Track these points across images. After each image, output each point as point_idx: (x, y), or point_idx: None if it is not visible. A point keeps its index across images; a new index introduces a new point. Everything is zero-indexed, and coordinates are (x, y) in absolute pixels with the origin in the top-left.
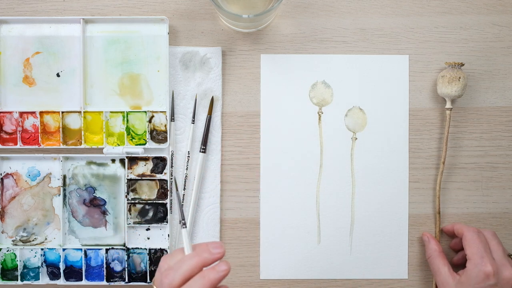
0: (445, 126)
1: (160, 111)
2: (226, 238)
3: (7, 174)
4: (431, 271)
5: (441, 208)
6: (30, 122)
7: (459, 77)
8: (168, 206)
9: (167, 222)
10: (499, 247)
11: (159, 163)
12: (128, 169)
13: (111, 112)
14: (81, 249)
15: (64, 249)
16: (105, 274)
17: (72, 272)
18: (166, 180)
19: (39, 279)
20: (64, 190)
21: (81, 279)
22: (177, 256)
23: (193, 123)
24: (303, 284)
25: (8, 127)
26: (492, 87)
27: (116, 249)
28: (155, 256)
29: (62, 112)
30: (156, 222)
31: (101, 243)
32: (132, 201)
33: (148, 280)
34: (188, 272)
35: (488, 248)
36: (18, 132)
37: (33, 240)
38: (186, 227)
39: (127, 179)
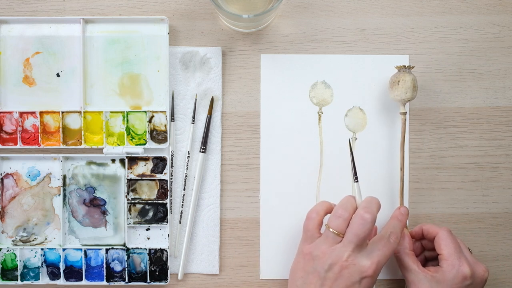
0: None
1: (160, 111)
2: (226, 238)
3: (7, 174)
4: (400, 268)
5: (441, 208)
6: (30, 122)
7: (398, 81)
8: (168, 206)
9: (167, 222)
10: (463, 244)
11: (159, 163)
12: (128, 169)
13: (111, 112)
14: (81, 249)
15: (64, 249)
16: (105, 274)
17: (72, 272)
18: (166, 180)
19: (39, 279)
20: (64, 190)
21: (81, 279)
22: (350, 203)
23: (193, 123)
24: None
25: (8, 127)
26: (492, 87)
27: (116, 249)
28: (155, 256)
29: (62, 112)
30: (156, 222)
31: (101, 243)
32: (132, 201)
33: (148, 280)
34: (378, 208)
35: (461, 247)
36: (18, 132)
37: (33, 240)
38: (358, 181)
39: (127, 179)
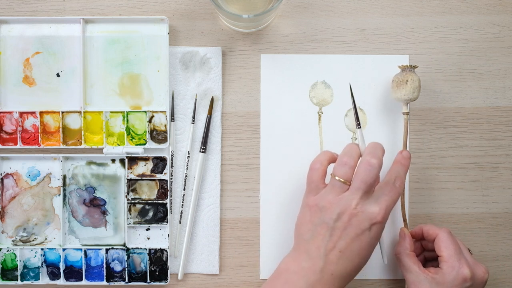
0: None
1: (160, 111)
2: (226, 238)
3: (7, 174)
4: (400, 268)
5: (441, 208)
6: (30, 122)
7: (407, 80)
8: (168, 206)
9: (167, 222)
10: (463, 245)
11: (159, 163)
12: (128, 169)
13: (111, 112)
14: (81, 249)
15: (64, 249)
16: (105, 274)
17: (72, 272)
18: (166, 180)
19: (39, 279)
20: (64, 190)
21: (81, 279)
22: (354, 150)
23: (193, 123)
24: None
25: (8, 127)
26: (492, 87)
27: (116, 249)
28: (155, 256)
29: (62, 112)
30: (156, 222)
31: (101, 243)
32: (132, 201)
33: (148, 280)
34: (383, 153)
35: (460, 249)
36: (18, 132)
37: (33, 240)
38: (360, 127)
39: (127, 179)
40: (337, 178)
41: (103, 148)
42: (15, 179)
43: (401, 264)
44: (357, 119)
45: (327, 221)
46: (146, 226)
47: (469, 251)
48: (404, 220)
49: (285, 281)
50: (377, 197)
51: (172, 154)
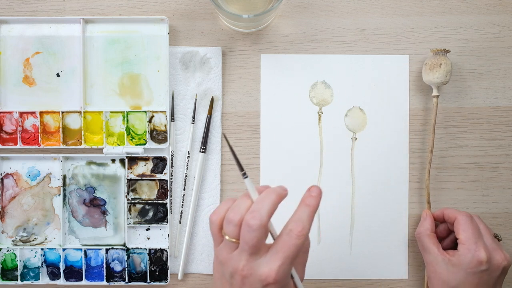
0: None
1: (160, 111)
2: None
3: (7, 174)
4: (420, 249)
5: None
6: (30, 122)
7: (440, 64)
8: (168, 206)
9: (167, 222)
10: (487, 230)
11: (159, 163)
12: (128, 169)
13: (111, 112)
14: (81, 249)
15: (64, 249)
16: (105, 274)
17: (72, 272)
18: (166, 180)
19: (39, 279)
20: (64, 190)
21: (81, 279)
22: (243, 204)
23: (193, 123)
24: (303, 284)
25: (8, 127)
26: (492, 87)
27: (116, 249)
28: (155, 256)
29: (62, 112)
30: (156, 222)
31: (101, 243)
32: (132, 201)
33: (148, 280)
34: (273, 207)
35: (480, 232)
36: (18, 132)
37: (33, 240)
38: (247, 177)
39: (127, 179)
40: (226, 237)
41: (103, 148)
42: (15, 179)
43: (421, 244)
44: (241, 169)
45: (226, 277)
46: (146, 226)
47: (497, 236)
48: (428, 202)
49: None
50: (270, 255)
51: (172, 154)
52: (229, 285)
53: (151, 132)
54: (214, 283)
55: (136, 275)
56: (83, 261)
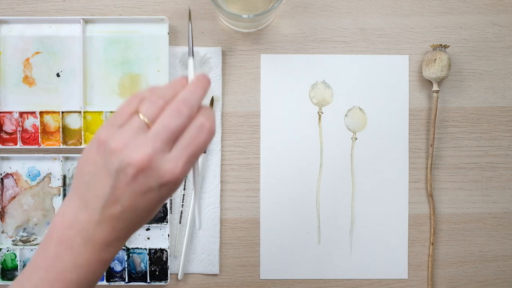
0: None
1: None
2: (226, 238)
3: (7, 174)
4: None
5: (441, 208)
6: (30, 122)
7: (435, 59)
8: (168, 206)
9: (167, 222)
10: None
11: None
12: None
13: (111, 112)
14: None
15: None
16: (105, 274)
17: None
18: None
19: None
20: (64, 190)
21: None
22: (173, 87)
23: None
24: (303, 284)
25: (8, 127)
26: (492, 87)
27: None
28: (155, 256)
29: (62, 112)
30: (156, 222)
31: None
32: None
33: (148, 280)
34: (202, 99)
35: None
36: (18, 132)
37: (33, 240)
38: (193, 56)
39: None
40: (140, 116)
41: None
42: (15, 179)
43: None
44: (192, 45)
45: (110, 169)
46: (146, 226)
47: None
48: (431, 196)
49: (59, 240)
50: (177, 150)
51: None
52: (110, 180)
53: None
54: (80, 179)
55: (136, 275)
56: None
